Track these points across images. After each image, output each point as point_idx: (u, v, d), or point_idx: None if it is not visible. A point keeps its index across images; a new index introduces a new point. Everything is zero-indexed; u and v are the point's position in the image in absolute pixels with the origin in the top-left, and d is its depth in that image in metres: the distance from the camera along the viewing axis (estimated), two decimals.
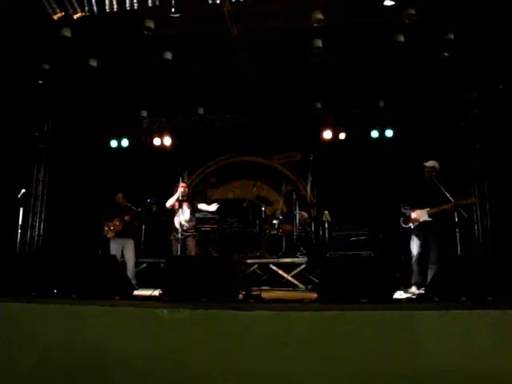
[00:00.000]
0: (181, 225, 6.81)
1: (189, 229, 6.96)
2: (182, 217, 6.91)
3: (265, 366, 2.48)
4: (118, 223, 7.17)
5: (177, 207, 7.02)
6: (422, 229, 5.92)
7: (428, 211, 5.86)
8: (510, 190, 7.74)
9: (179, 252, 6.74)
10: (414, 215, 5.97)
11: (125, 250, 7.21)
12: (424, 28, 6.51)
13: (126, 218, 7.14)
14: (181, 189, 7.04)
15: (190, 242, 6.98)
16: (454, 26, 6.50)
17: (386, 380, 2.41)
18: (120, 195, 7.42)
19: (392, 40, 6.60)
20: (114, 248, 7.17)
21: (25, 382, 2.61)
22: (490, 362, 2.43)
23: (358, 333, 2.54)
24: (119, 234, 7.19)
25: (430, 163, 6.06)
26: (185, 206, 7.02)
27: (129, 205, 7.38)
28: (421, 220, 5.92)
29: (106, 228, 7.17)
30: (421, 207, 5.94)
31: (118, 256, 7.05)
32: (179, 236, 6.76)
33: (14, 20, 6.35)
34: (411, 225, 6.02)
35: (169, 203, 7.11)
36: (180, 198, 7.01)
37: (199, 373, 2.52)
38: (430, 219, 5.85)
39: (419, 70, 7.76)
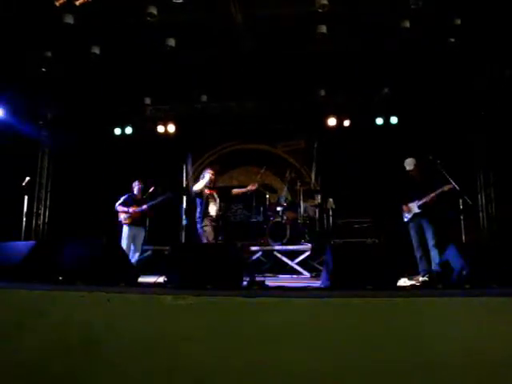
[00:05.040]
0: (216, 212, 6.82)
1: (218, 216, 6.92)
2: (217, 205, 6.91)
3: (268, 353, 2.49)
4: (136, 210, 7.24)
5: (208, 195, 6.91)
6: (415, 220, 6.22)
7: (417, 203, 6.16)
8: None
9: (210, 239, 6.67)
10: (405, 208, 6.28)
11: (136, 239, 7.27)
12: (430, 13, 6.41)
13: (144, 207, 7.27)
14: (209, 175, 6.93)
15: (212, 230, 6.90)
16: (461, 12, 6.41)
17: (391, 368, 2.42)
18: (137, 183, 7.53)
19: (397, 26, 6.52)
20: (128, 235, 7.20)
21: (24, 372, 2.64)
22: (495, 350, 2.43)
23: (362, 320, 2.55)
24: (136, 222, 7.24)
25: (407, 161, 6.37)
26: (215, 193, 7.00)
27: (144, 196, 7.49)
28: (413, 212, 6.20)
29: (124, 214, 7.21)
30: (412, 201, 6.22)
31: (129, 243, 7.11)
32: (213, 224, 6.74)
33: (16, 7, 6.31)
34: (407, 216, 6.28)
35: (197, 187, 6.95)
36: (209, 185, 6.94)
37: (202, 360, 2.53)
38: (419, 210, 6.14)
39: (425, 57, 7.66)
